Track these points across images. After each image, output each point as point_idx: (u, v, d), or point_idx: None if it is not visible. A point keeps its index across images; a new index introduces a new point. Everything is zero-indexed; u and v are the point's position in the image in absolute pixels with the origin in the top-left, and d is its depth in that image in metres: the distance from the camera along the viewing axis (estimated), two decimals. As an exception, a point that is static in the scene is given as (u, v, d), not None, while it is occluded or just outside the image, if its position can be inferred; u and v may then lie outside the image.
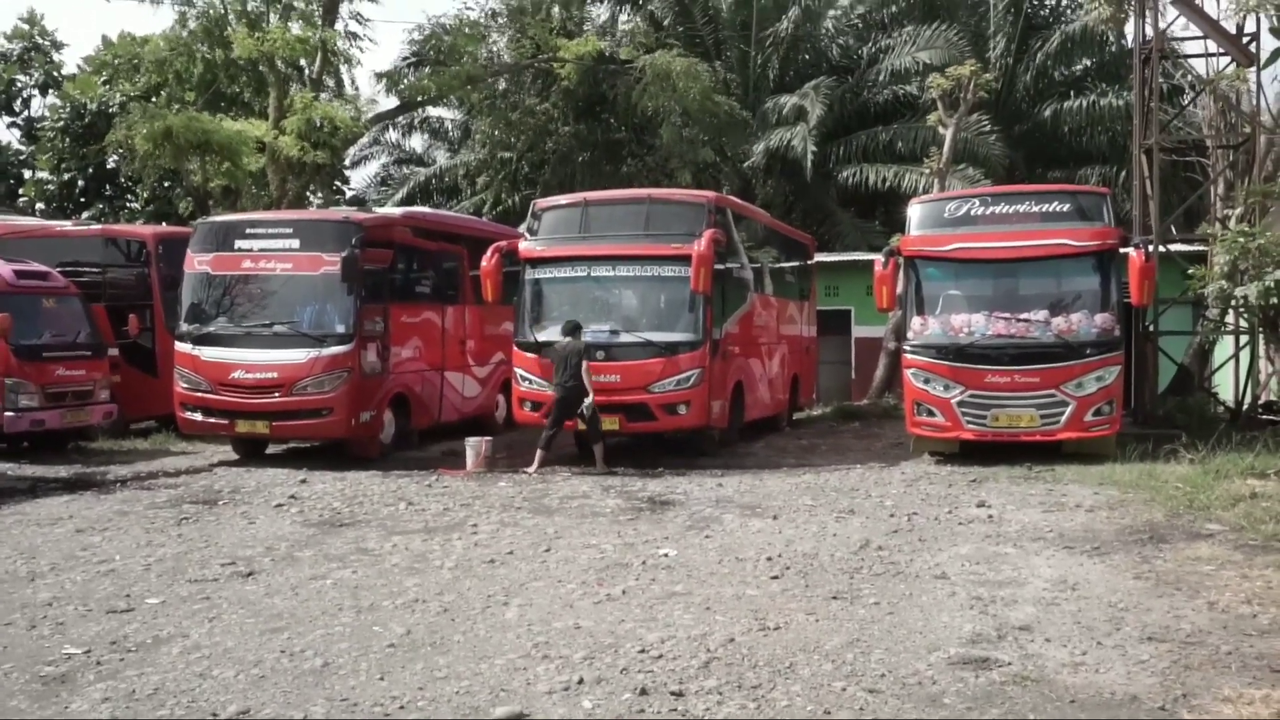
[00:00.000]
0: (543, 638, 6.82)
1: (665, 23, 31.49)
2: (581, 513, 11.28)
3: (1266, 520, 9.73)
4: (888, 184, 27.53)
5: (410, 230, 16.65)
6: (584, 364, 13.97)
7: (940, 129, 22.55)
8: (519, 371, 15.28)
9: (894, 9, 31.64)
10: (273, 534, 10.27)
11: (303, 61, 26.33)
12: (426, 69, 28.54)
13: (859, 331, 24.91)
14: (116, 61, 29.03)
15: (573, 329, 14.24)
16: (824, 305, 23.40)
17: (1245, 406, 17.65)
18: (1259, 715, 5.40)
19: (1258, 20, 17.11)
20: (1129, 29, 19.81)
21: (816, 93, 27.74)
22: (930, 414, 14.36)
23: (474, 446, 14.62)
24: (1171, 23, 18.77)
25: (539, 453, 14.25)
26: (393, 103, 29.00)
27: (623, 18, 33.25)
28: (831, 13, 31.10)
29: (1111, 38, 27.96)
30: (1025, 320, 14.15)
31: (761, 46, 30.18)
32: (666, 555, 9.12)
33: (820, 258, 23.27)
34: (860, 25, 31.82)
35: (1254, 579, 7.94)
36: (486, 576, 8.49)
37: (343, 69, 28.17)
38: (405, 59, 30.22)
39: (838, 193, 29.57)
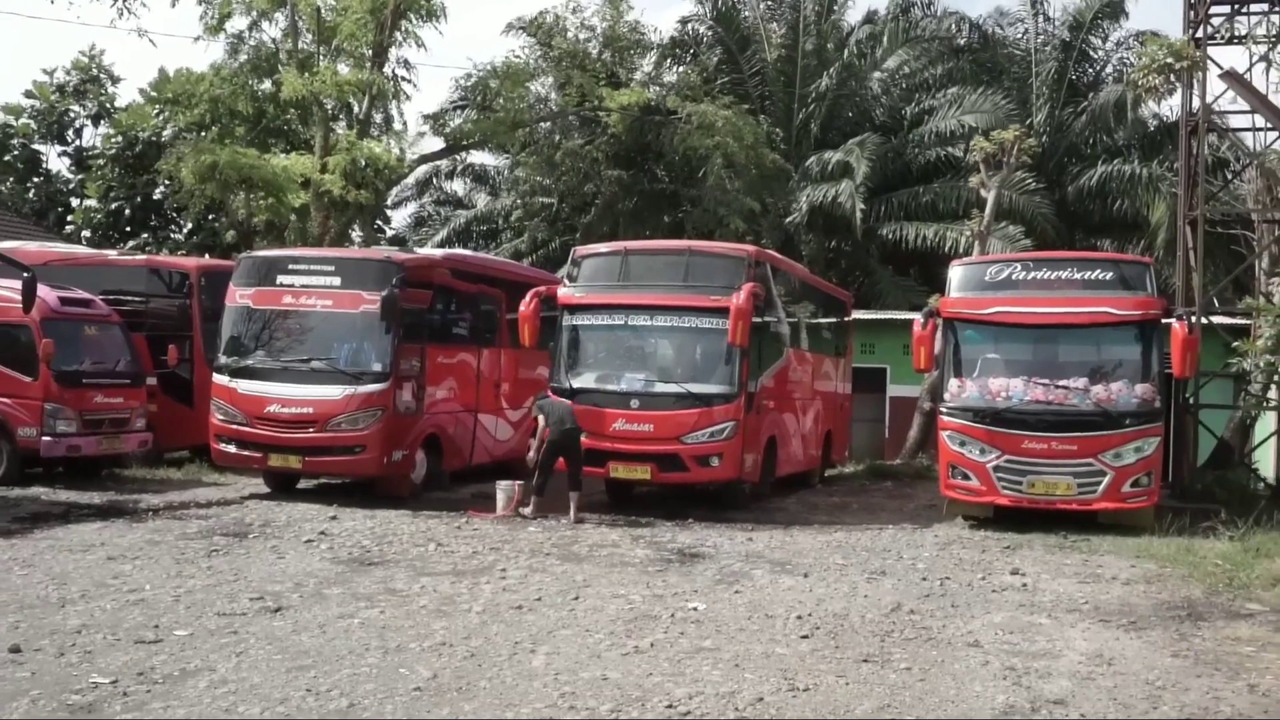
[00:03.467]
0: (570, 688, 6.76)
1: (712, 75, 31.67)
2: (610, 561, 11.22)
3: (1308, 602, 9.56)
4: (928, 242, 27.47)
5: (450, 272, 16.75)
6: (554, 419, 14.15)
7: (982, 191, 22.52)
8: (568, 404, 15.22)
9: (939, 70, 31.74)
10: (302, 570, 10.26)
11: (350, 100, 26.68)
12: (473, 112, 28.86)
13: (894, 390, 24.76)
14: (171, 95, 29.57)
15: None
16: (859, 362, 23.29)
17: (1287, 483, 17.39)
18: (1302, 804, 5.26)
19: (1307, 96, 17.07)
20: (1175, 100, 19.78)
21: (862, 149, 27.78)
22: (965, 477, 14.23)
23: (504, 490, 14.58)
24: (1219, 96, 18.72)
25: (533, 498, 14.25)
26: (437, 144, 29.33)
27: (670, 68, 33.50)
28: (876, 74, 31.25)
29: (1154, 109, 27.96)
30: (1065, 387, 14.02)
31: (804, 102, 30.32)
32: (695, 609, 9.04)
33: (857, 314, 23.21)
34: (905, 86, 31.93)
35: (1295, 662, 7.78)
36: (514, 622, 8.44)
37: (391, 106, 28.50)
38: (452, 102, 30.58)
39: (879, 250, 29.55)
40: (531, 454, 14.41)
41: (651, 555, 11.64)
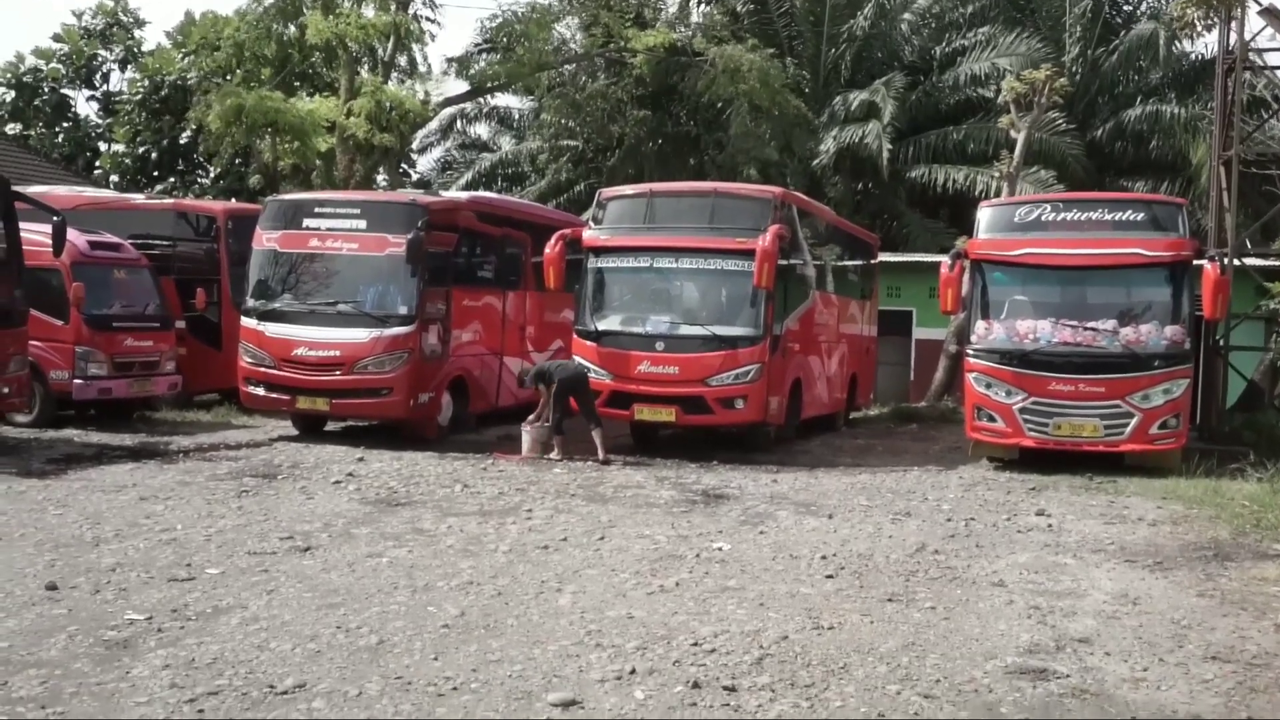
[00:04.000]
0: (596, 626, 6.82)
1: (740, 14, 31.30)
2: (635, 502, 11.28)
3: (1336, 543, 9.52)
4: (957, 185, 27.21)
5: (475, 215, 16.72)
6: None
7: (1012, 132, 22.23)
8: (578, 359, 15.29)
9: (970, 8, 31.20)
10: (330, 510, 10.37)
11: (375, 43, 26.55)
12: (497, 55, 28.67)
13: (920, 333, 24.65)
14: (199, 39, 29.53)
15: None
16: (886, 305, 23.18)
17: (1316, 426, 17.25)
18: (1326, 742, 5.28)
19: (1347, 31, 16.70)
20: (1212, 38, 19.43)
21: (888, 89, 27.43)
22: (991, 419, 14.19)
23: (530, 432, 14.66)
24: (1258, 34, 18.35)
25: (555, 438, 14.34)
26: (462, 87, 29.16)
27: (697, 8, 33.10)
28: (906, 15, 30.79)
29: (1189, 47, 27.48)
30: (1093, 329, 13.93)
31: (834, 42, 29.92)
32: (720, 549, 9.09)
33: (884, 257, 23.06)
34: (935, 25, 31.45)
35: (1322, 602, 7.76)
36: (540, 562, 8.51)
37: (415, 48, 28.35)
38: (476, 45, 30.36)
39: (907, 193, 29.29)
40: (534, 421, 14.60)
41: (676, 496, 11.70)
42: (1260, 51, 19.72)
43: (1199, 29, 17.70)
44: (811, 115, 28.38)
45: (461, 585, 7.73)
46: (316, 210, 15.59)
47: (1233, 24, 17.69)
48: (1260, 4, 17.52)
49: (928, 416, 21.00)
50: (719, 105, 26.72)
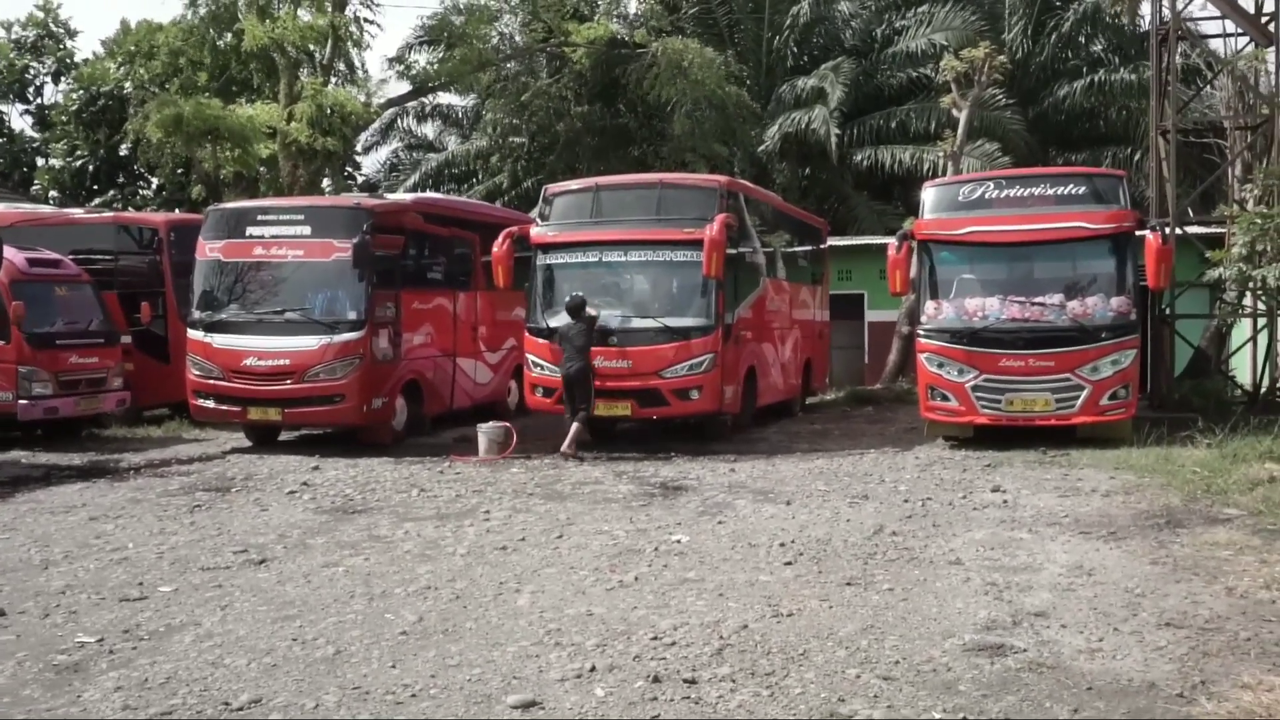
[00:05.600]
0: (555, 625, 6.79)
1: (678, 5, 31.27)
2: (594, 498, 11.25)
3: (1285, 505, 9.64)
4: (904, 166, 27.37)
5: (421, 216, 16.59)
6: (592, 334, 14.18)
7: (954, 111, 22.40)
8: (530, 357, 15.25)
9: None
10: (285, 521, 10.26)
11: (313, 47, 26.29)
12: (438, 52, 28.47)
13: (872, 316, 24.81)
14: (133, 48, 29.09)
15: (576, 307, 14.21)
16: (837, 289, 23.30)
17: (1263, 390, 17.52)
18: (1279, 701, 5.33)
19: (1276, 0, 16.89)
20: (1145, 9, 19.64)
21: (836, 73, 27.50)
22: (944, 399, 14.28)
23: (486, 433, 14.59)
24: (1189, 3, 18.57)
25: (573, 428, 14.25)
26: (404, 88, 28.95)
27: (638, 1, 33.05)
28: (845, -1, 30.92)
29: (1126, 20, 27.74)
30: (1040, 304, 14.05)
31: (776, 28, 29.96)
32: (679, 541, 9.08)
33: (833, 241, 23.14)
34: (875, 6, 31.58)
35: (1273, 564, 7.84)
36: (499, 563, 8.46)
37: (353, 52, 28.13)
38: (418, 39, 30.11)
39: (853, 176, 29.42)
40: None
41: (634, 490, 11.68)
42: (1194, 21, 19.99)
43: (1126, 4, 17.84)
44: (755, 105, 28.41)
45: (419, 591, 7.67)
46: (259, 218, 15.41)
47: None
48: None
49: (883, 398, 21.13)
50: (663, 100, 26.60)
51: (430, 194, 23.26)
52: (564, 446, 14.04)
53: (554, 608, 7.17)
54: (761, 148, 28.47)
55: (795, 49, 30.19)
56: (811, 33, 30.47)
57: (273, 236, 15.14)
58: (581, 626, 6.75)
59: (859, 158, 28.48)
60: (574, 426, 14.19)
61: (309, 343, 14.67)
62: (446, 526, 9.91)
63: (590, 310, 14.35)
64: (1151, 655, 6.04)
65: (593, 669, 5.97)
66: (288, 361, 14.66)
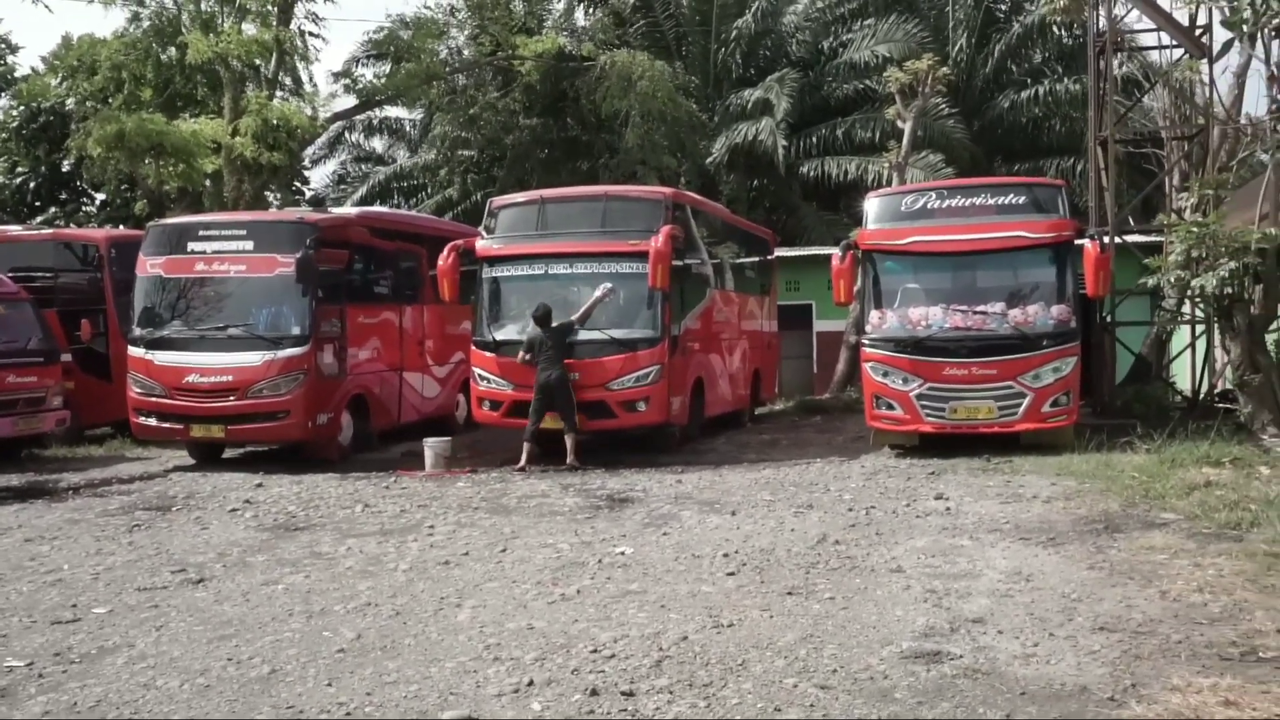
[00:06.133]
0: (495, 639, 6.75)
1: (627, 18, 31.37)
2: (539, 512, 11.21)
3: (1219, 508, 9.77)
4: (850, 176, 27.60)
5: (367, 230, 16.52)
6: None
7: (899, 122, 22.62)
8: (478, 371, 15.20)
9: (854, 3, 31.69)
10: (226, 540, 10.14)
11: (258, 61, 26.09)
12: (385, 66, 28.36)
13: (821, 326, 24.95)
14: (75, 63, 28.71)
15: (543, 316, 14.18)
16: (785, 300, 23.42)
17: (1201, 395, 17.79)
18: (1207, 703, 5.41)
19: (1209, 13, 17.18)
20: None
21: (781, 85, 27.70)
22: (890, 407, 14.39)
23: (433, 447, 14.52)
24: (1126, 14, 18.88)
25: (525, 446, 14.27)
26: (351, 101, 28.78)
27: (584, 12, 33.09)
28: (793, 8, 31.13)
29: (1068, 31, 28.18)
30: (983, 313, 14.18)
31: (723, 41, 30.14)
32: (623, 553, 9.07)
33: (781, 252, 23.27)
34: (821, 19, 31.84)
35: (1206, 567, 7.97)
36: (441, 578, 8.41)
37: (299, 66, 27.96)
38: (366, 53, 29.97)
39: (801, 186, 29.62)
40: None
41: (581, 503, 11.66)
42: (1132, 33, 20.30)
43: (1073, 11, 18.08)
44: (703, 116, 28.53)
45: (359, 608, 7.60)
46: (201, 233, 15.25)
47: (1102, 7, 18.16)
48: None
49: (832, 408, 21.25)
50: (612, 112, 26.62)
51: (377, 208, 23.17)
52: (569, 459, 14.16)
53: (494, 622, 7.14)
54: (710, 159, 28.61)
55: (742, 61, 30.39)
56: (758, 45, 30.69)
57: (215, 252, 14.99)
58: (521, 641, 6.72)
59: (806, 168, 28.69)
60: (569, 438, 14.25)
61: (252, 359, 14.52)
62: (390, 542, 9.83)
63: (572, 317, 14.36)
64: (1085, 659, 6.10)
65: (530, 683, 5.94)
66: (230, 378, 14.51)
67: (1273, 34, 12.39)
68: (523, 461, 14.19)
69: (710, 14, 30.02)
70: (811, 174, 28.59)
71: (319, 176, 37.23)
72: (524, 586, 8.07)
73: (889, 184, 22.22)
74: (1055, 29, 28.90)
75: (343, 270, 15.47)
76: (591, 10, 32.70)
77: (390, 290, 17.22)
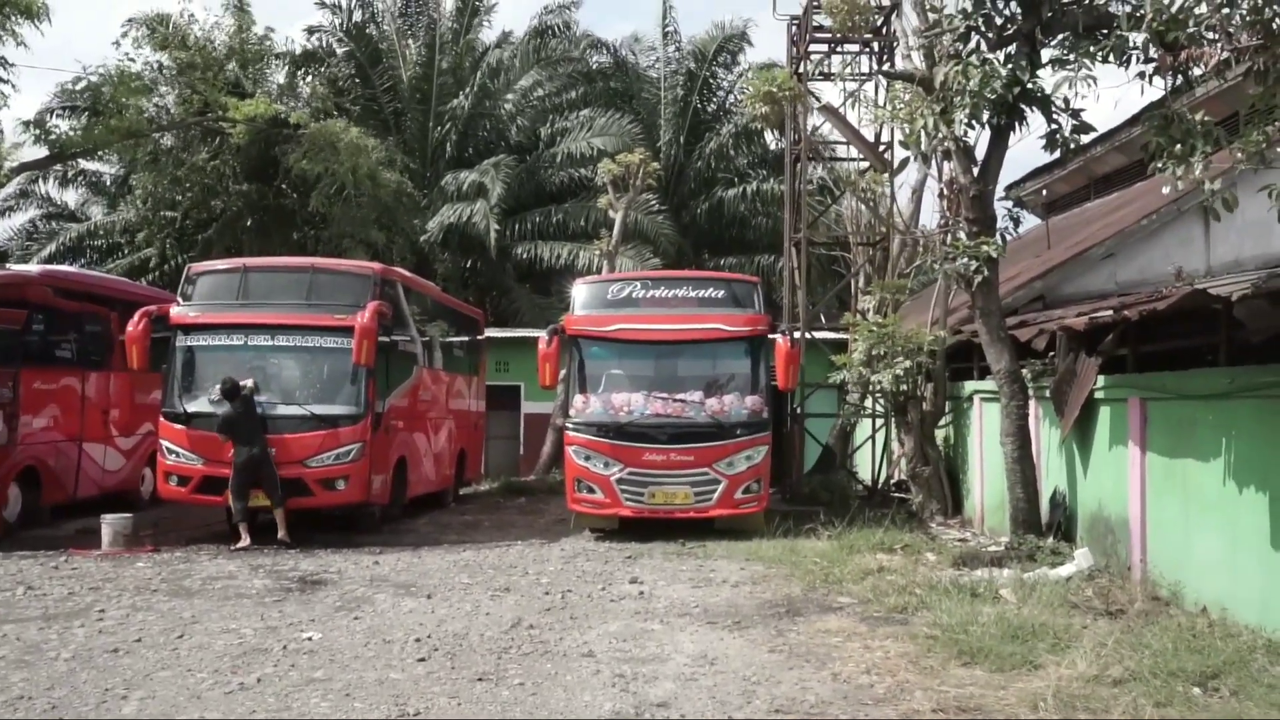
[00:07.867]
0: (162, 734, 6.37)
1: (344, 89, 31.04)
2: (224, 594, 10.69)
3: (890, 593, 10.41)
4: (562, 261, 28.18)
5: (50, 289, 15.50)
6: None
7: (611, 212, 23.32)
8: (166, 444, 14.41)
9: (574, 93, 32.61)
10: None
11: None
12: (82, 119, 26.78)
13: (529, 407, 25.11)
14: None
15: (230, 390, 13.61)
16: (494, 380, 23.48)
17: (880, 484, 18.99)
18: (866, 782, 5.71)
19: (892, 131, 18.67)
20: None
21: (497, 170, 28.05)
22: (591, 490, 14.62)
23: (111, 524, 13.59)
24: (819, 126, 20.24)
25: (242, 526, 13.69)
26: (42, 151, 26.96)
27: (303, 81, 32.42)
28: (509, 95, 31.67)
29: (773, 136, 29.93)
30: (681, 401, 14.69)
31: (440, 120, 30.27)
32: (310, 639, 8.76)
33: (491, 333, 23.38)
34: (540, 107, 32.54)
35: (875, 650, 8.44)
36: (107, 668, 7.85)
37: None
38: (60, 104, 28.21)
39: (515, 268, 29.94)
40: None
41: (270, 585, 11.19)
42: (827, 144, 21.78)
43: (771, 121, 19.21)
44: (417, 193, 28.45)
45: (10, 702, 6.99)
46: None
47: (796, 120, 19.43)
48: (819, 102, 19.34)
49: (537, 489, 21.35)
50: (316, 179, 26.04)
51: (62, 267, 21.72)
52: (280, 534, 13.68)
53: (164, 714, 6.73)
54: (424, 237, 28.51)
55: (458, 141, 30.61)
56: (475, 126, 31.04)
57: None
58: (191, 735, 6.36)
59: (520, 251, 29.08)
60: (278, 513, 13.79)
61: (-95, 424, 13.26)
62: (52, 628, 9.12)
63: (245, 383, 13.80)
64: (759, 741, 6.33)
65: (197, 781, 5.62)
66: (-122, 445, 13.19)
67: (943, 155, 13.56)
68: (245, 541, 13.53)
69: (430, 92, 30.12)
70: (525, 256, 29.01)
71: (3, 230, 34.57)
72: (200, 675, 7.65)
73: (599, 271, 22.80)
74: (760, 134, 30.62)
75: (19, 331, 14.43)
76: (308, 79, 32.13)
77: (74, 354, 16.14)
